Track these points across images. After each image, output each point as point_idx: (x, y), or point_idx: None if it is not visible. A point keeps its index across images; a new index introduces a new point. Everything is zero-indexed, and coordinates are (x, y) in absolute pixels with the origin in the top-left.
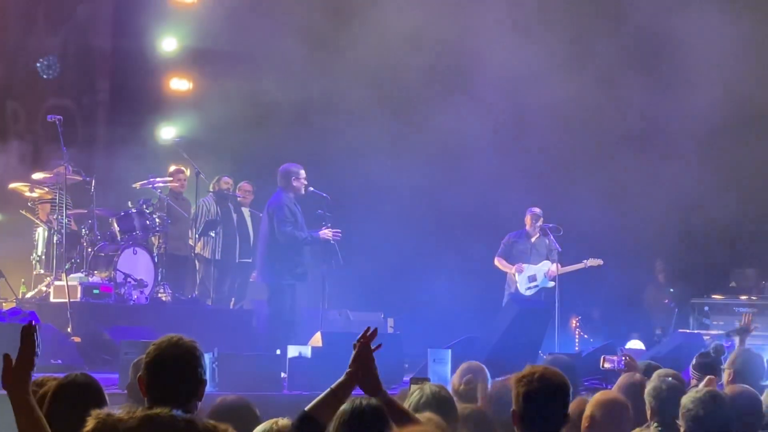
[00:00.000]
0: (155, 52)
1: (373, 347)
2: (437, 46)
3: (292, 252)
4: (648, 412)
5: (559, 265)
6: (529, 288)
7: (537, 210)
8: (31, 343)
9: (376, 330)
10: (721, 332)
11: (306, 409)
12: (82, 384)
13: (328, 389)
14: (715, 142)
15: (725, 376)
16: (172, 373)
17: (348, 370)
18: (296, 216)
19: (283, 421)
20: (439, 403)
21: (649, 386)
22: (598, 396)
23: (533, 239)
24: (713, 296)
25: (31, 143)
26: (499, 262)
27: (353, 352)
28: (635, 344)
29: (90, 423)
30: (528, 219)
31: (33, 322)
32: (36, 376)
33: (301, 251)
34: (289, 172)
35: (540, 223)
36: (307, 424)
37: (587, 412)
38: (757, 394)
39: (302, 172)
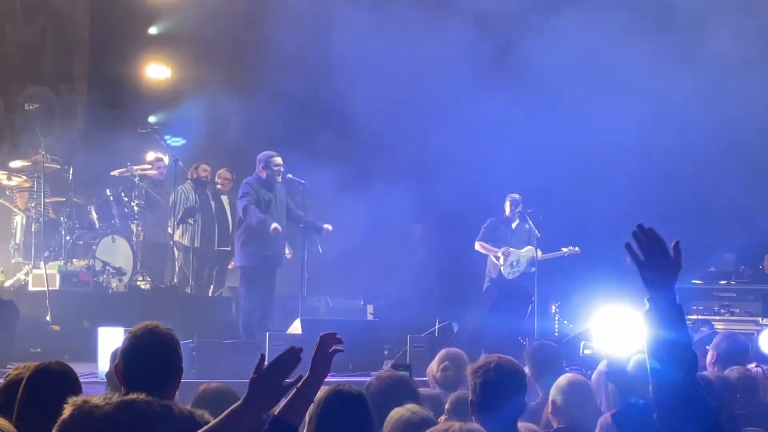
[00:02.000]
0: (134, 39)
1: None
2: None
3: (258, 234)
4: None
5: (539, 251)
6: (512, 272)
7: (516, 195)
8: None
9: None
10: (701, 317)
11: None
12: (57, 372)
13: (294, 389)
14: None
15: (708, 357)
16: (148, 361)
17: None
18: (259, 196)
19: None
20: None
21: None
22: (560, 380)
23: (513, 225)
24: (693, 281)
25: (9, 132)
26: (481, 246)
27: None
28: None
29: (66, 410)
30: (507, 204)
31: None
32: (14, 364)
33: (267, 234)
34: (261, 157)
35: (519, 208)
36: (279, 426)
37: (550, 396)
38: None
39: (276, 159)
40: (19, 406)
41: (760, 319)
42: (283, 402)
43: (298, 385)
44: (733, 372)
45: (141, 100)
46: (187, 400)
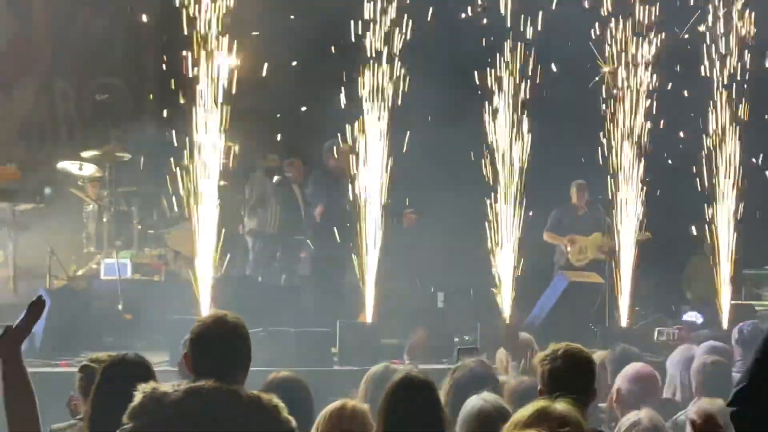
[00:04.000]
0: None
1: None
2: None
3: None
4: (694, 389)
5: (609, 237)
6: (579, 260)
7: (583, 182)
8: (37, 316)
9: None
10: None
11: None
12: (132, 362)
13: None
14: None
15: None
16: (217, 350)
17: None
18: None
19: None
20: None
21: (695, 363)
22: (628, 368)
23: (580, 212)
24: (766, 267)
25: (80, 122)
26: (548, 236)
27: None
28: (691, 316)
29: (137, 397)
30: (574, 191)
31: (42, 297)
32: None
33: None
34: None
35: (587, 195)
36: None
37: (615, 385)
38: None
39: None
40: (93, 397)
41: None
42: None
43: None
44: None
45: None
46: (256, 389)
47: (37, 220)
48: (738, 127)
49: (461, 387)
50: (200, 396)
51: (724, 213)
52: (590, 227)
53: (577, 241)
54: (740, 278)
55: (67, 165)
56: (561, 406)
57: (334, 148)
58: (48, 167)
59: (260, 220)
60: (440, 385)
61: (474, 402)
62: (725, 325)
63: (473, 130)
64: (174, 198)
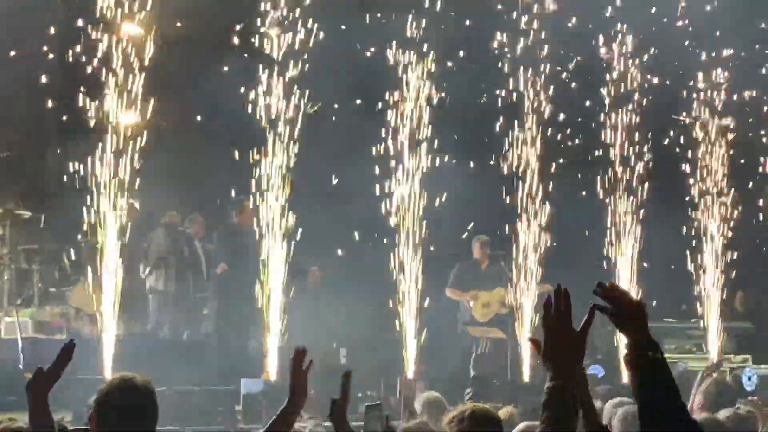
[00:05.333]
0: None
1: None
2: None
3: None
4: None
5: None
6: (484, 315)
7: (485, 237)
8: (67, 359)
9: (305, 348)
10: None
11: None
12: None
13: (276, 416)
14: None
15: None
16: (122, 413)
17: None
18: None
19: None
20: None
21: (619, 413)
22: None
23: (483, 267)
24: (666, 319)
25: None
26: (452, 293)
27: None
28: (593, 369)
29: None
30: (477, 247)
31: (73, 341)
32: None
33: None
34: None
35: (489, 250)
36: None
37: (604, 419)
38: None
39: None
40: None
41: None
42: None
43: (283, 407)
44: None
45: None
46: None
47: None
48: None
49: None
50: None
51: (626, 268)
52: (493, 282)
53: (480, 296)
54: None
55: None
56: None
57: (242, 204)
58: None
59: (160, 277)
60: None
61: None
62: (624, 378)
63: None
64: (73, 254)
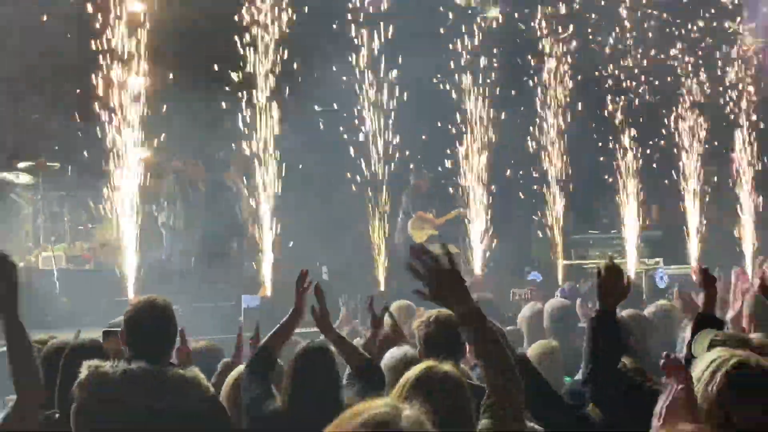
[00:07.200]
0: None
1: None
2: None
3: None
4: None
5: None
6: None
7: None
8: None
9: (307, 271)
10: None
11: (263, 342)
12: (91, 347)
13: (279, 324)
14: None
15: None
16: (148, 329)
17: (294, 307)
18: None
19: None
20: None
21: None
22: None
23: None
24: (590, 231)
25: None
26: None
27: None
28: (533, 275)
29: (83, 372)
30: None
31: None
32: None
33: None
34: None
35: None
36: (261, 356)
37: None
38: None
39: None
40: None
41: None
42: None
43: (282, 322)
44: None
45: None
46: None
47: None
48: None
49: None
50: (133, 380)
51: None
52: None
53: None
54: (569, 243)
55: (5, 174)
56: (447, 366)
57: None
58: None
59: (170, 215)
60: None
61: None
62: (560, 281)
63: None
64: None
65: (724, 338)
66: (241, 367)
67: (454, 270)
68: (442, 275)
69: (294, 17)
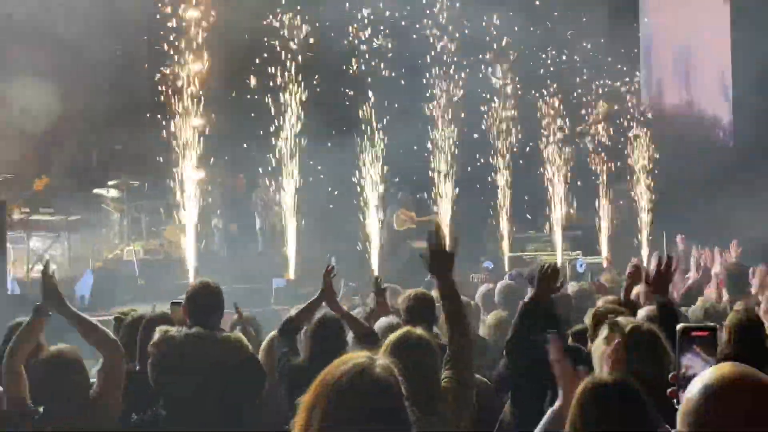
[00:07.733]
0: None
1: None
2: None
3: None
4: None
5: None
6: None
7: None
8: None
9: (333, 267)
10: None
11: (290, 315)
12: (162, 317)
13: (308, 301)
14: None
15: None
16: (203, 304)
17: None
18: None
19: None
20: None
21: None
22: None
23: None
24: (528, 231)
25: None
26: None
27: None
28: (486, 263)
29: (156, 335)
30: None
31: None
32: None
33: None
34: None
35: None
36: (289, 324)
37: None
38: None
39: None
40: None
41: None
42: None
43: (314, 298)
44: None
45: None
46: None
47: (82, 226)
48: None
49: None
50: (193, 341)
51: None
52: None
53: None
54: (513, 240)
55: (99, 190)
56: (419, 330)
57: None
58: (86, 192)
59: (219, 219)
60: None
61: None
62: (506, 268)
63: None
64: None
65: (605, 309)
66: (273, 333)
67: (451, 254)
68: (443, 255)
69: None
